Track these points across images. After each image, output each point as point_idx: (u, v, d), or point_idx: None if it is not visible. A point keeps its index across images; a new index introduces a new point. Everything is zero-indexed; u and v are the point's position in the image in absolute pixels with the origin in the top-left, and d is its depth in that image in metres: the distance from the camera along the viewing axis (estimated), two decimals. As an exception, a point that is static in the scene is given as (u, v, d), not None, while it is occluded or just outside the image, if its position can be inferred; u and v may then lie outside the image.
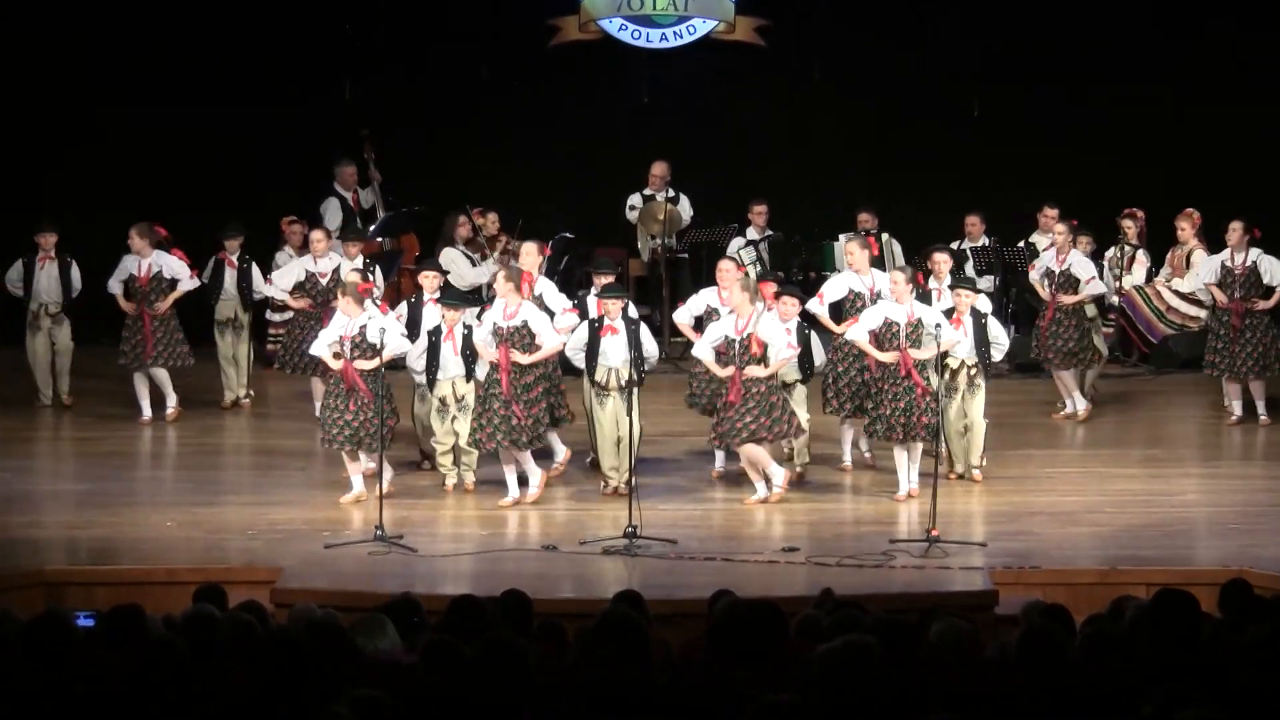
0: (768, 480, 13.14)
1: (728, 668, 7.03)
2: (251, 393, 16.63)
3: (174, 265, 15.95)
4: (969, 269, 17.69)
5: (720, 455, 13.89)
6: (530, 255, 14.25)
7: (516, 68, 19.25)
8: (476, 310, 14.03)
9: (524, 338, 13.09)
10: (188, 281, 16.00)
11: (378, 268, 16.30)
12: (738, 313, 13.07)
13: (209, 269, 16.43)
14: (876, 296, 13.96)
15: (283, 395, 16.96)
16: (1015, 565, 11.67)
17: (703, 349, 13.27)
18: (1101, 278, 16.41)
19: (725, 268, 13.97)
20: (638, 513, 12.10)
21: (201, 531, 12.59)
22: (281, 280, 16.16)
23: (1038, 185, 17.95)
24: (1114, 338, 17.62)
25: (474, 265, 17.32)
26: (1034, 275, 16.16)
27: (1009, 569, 11.59)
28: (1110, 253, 17.44)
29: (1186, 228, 17.35)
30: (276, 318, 17.66)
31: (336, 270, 15.63)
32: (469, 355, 13.27)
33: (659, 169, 18.78)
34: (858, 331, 13.42)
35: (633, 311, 13.56)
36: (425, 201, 18.50)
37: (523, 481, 13.26)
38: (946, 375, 13.37)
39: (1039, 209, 17.70)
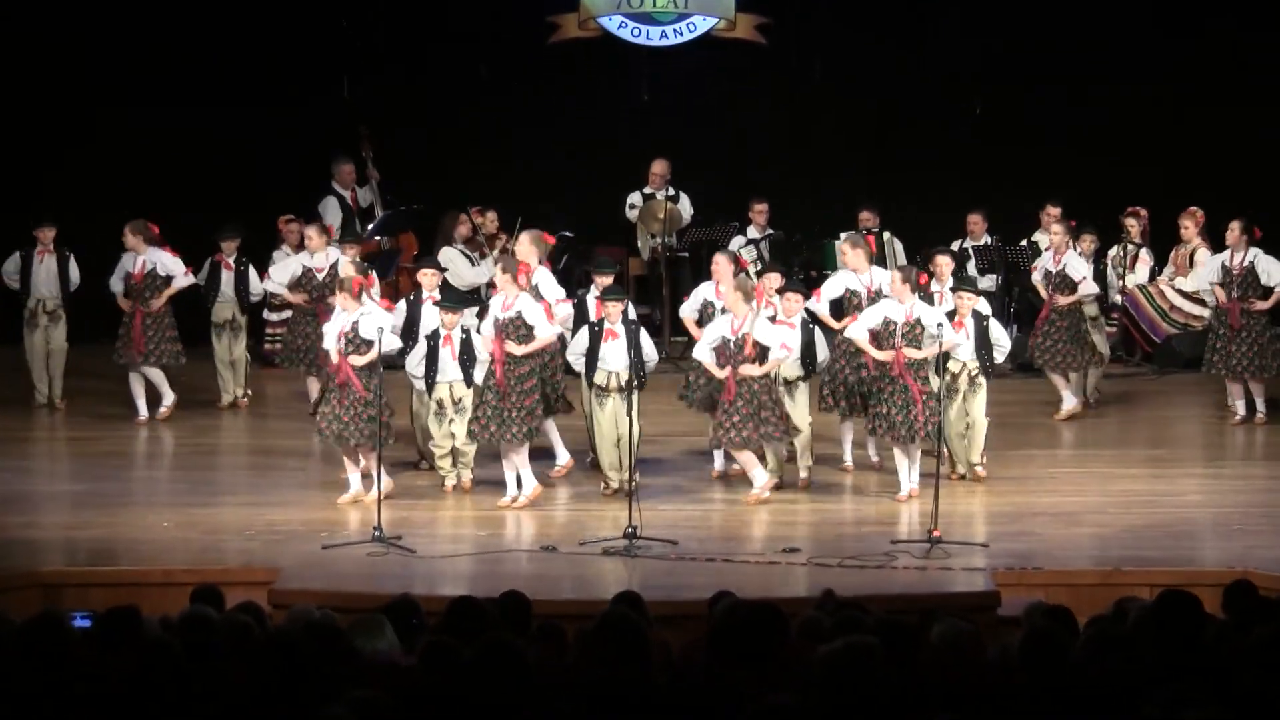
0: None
1: (728, 669, 7.01)
2: (249, 392, 16.59)
3: (168, 262, 15.91)
4: (971, 268, 17.67)
5: (719, 455, 13.86)
6: (524, 245, 14.18)
7: (516, 67, 19.25)
8: (475, 310, 14.00)
9: (519, 329, 13.06)
10: (182, 278, 15.96)
11: (375, 267, 16.25)
12: (733, 312, 13.05)
13: (205, 271, 16.40)
14: (875, 295, 13.93)
15: (280, 395, 16.93)
16: (1017, 566, 11.62)
17: (702, 351, 13.24)
18: (1105, 277, 16.38)
19: (720, 261, 13.93)
20: (637, 513, 12.06)
21: (198, 532, 12.55)
22: (279, 274, 16.14)
23: (1038, 185, 17.94)
24: (1117, 337, 17.60)
25: (473, 264, 17.28)
26: (1035, 276, 16.17)
27: (1011, 570, 11.54)
28: (1113, 251, 17.43)
29: (1190, 226, 17.32)
30: (274, 317, 17.66)
31: (334, 266, 15.60)
32: (467, 359, 13.23)
33: (659, 167, 18.76)
34: (857, 329, 13.40)
35: (632, 313, 13.52)
36: (425, 201, 18.48)
37: (521, 482, 13.21)
38: (947, 377, 13.34)
39: (1040, 209, 17.68)
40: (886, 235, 18.03)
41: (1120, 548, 12.10)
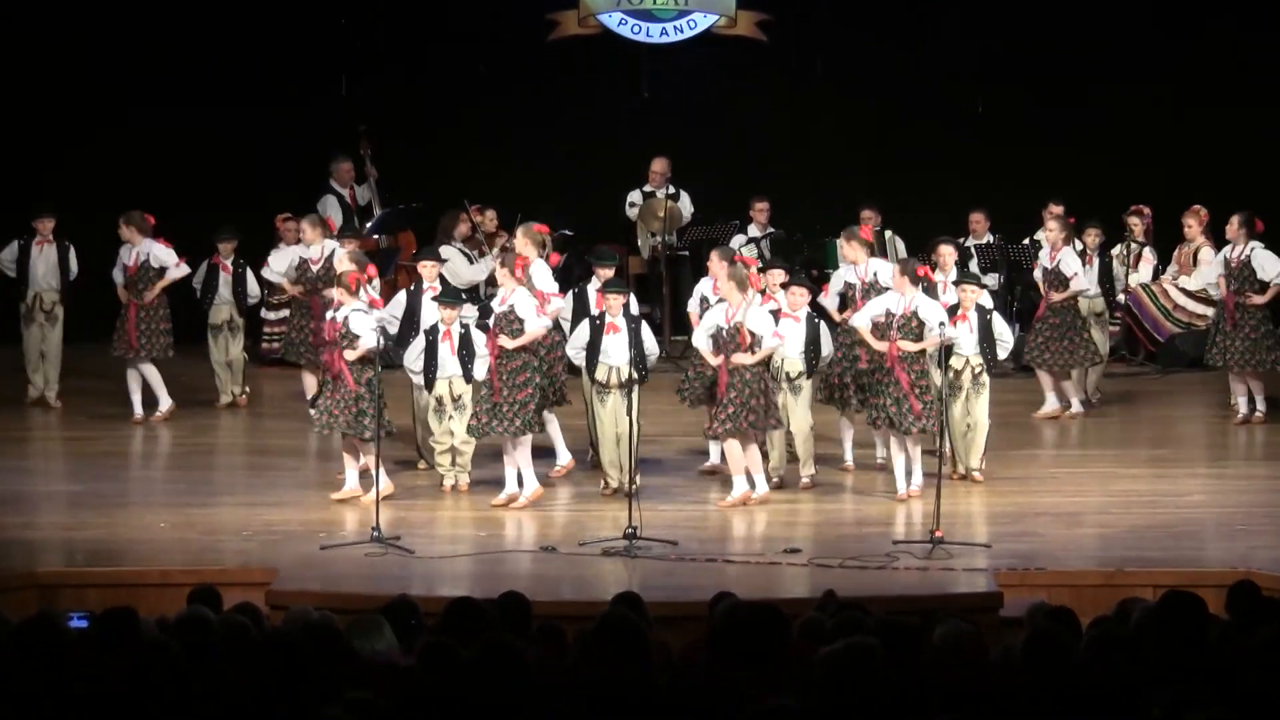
0: (750, 478, 13.03)
1: (729, 671, 6.99)
2: (247, 389, 16.55)
3: (160, 253, 15.85)
4: (973, 266, 17.61)
5: (715, 450, 13.81)
6: (520, 240, 14.10)
7: (516, 67, 19.22)
8: (477, 307, 13.95)
9: (512, 323, 13.01)
10: (175, 269, 15.88)
11: (374, 265, 16.22)
12: (728, 301, 13.02)
13: (203, 272, 16.36)
14: (869, 287, 13.95)
15: (277, 394, 16.89)
16: (1020, 567, 11.59)
17: (700, 338, 13.22)
18: (1110, 275, 16.37)
19: (714, 258, 13.90)
20: (638, 514, 12.02)
21: (196, 532, 12.51)
22: (278, 264, 16.13)
23: (1037, 185, 17.91)
24: (1120, 336, 17.56)
25: (471, 263, 17.24)
26: (1036, 273, 16.17)
27: (1014, 570, 11.50)
28: (1117, 250, 17.40)
29: (1194, 225, 17.28)
30: (272, 316, 17.64)
31: (329, 257, 15.56)
32: (466, 355, 13.19)
33: (659, 165, 18.73)
34: (860, 318, 13.39)
35: (634, 308, 13.47)
36: (425, 201, 18.44)
37: (522, 481, 13.16)
38: (950, 374, 13.30)
39: (1041, 208, 17.63)
40: (888, 233, 17.99)
41: (1123, 548, 12.07)
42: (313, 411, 13.33)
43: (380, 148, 18.79)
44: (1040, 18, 18.76)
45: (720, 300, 13.24)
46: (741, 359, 12.87)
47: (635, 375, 12.83)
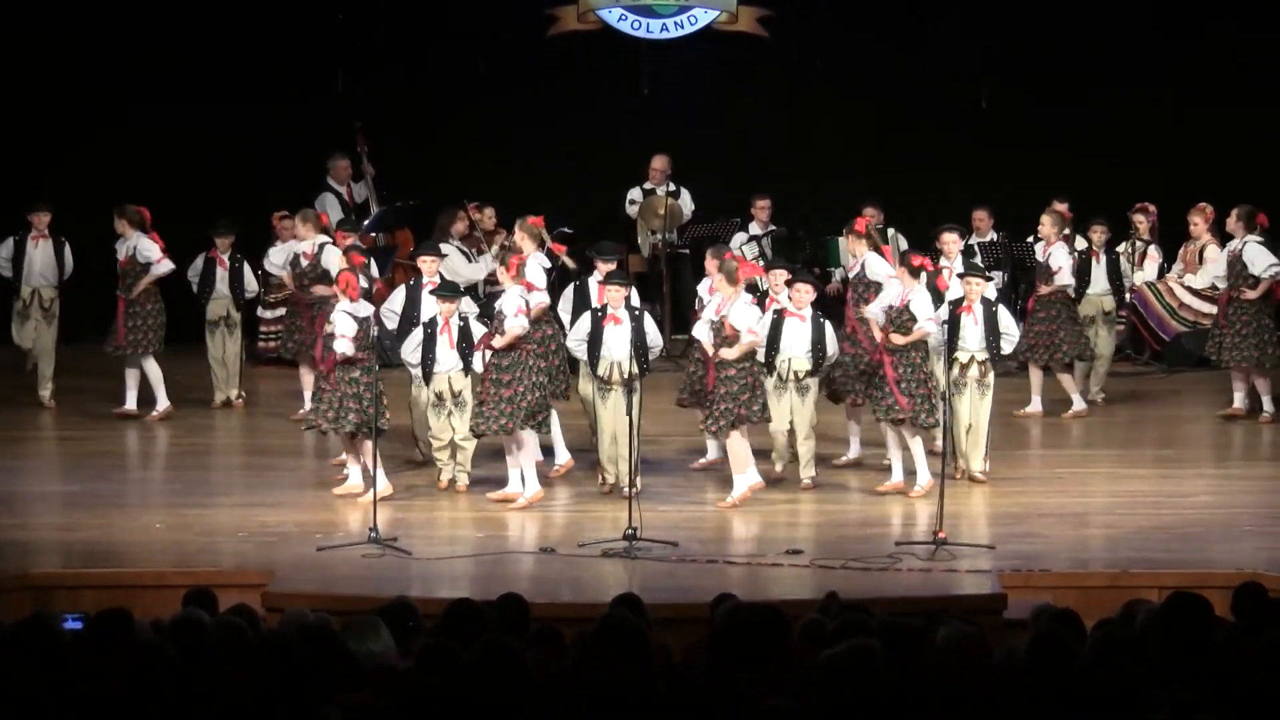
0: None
1: (730, 672, 6.95)
2: (244, 394, 16.49)
3: (145, 248, 15.78)
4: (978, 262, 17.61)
5: (712, 446, 13.79)
6: (517, 236, 14.04)
7: (516, 66, 19.20)
8: (476, 304, 13.91)
9: (502, 320, 12.96)
10: (157, 265, 15.78)
11: (371, 262, 16.19)
12: (721, 294, 13.01)
13: (200, 268, 16.31)
14: (856, 280, 14.10)
15: (274, 394, 16.86)
16: (1024, 568, 11.53)
17: (700, 329, 13.24)
18: (1118, 272, 16.35)
19: (710, 256, 13.89)
20: (638, 514, 11.96)
21: (191, 534, 12.46)
22: (277, 257, 16.13)
23: (1037, 186, 17.87)
24: (1125, 335, 17.52)
25: (470, 261, 17.18)
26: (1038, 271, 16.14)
27: (1018, 572, 11.44)
28: (1122, 247, 17.36)
29: (1200, 222, 17.23)
30: (269, 315, 17.61)
31: (318, 253, 15.51)
32: (465, 348, 13.13)
33: (659, 163, 18.70)
34: (874, 309, 13.43)
35: (635, 301, 13.41)
36: (425, 201, 18.40)
37: (524, 481, 13.09)
38: (956, 369, 13.25)
39: (1041, 209, 17.57)
40: (891, 231, 17.95)
41: (1128, 549, 12.02)
42: (311, 412, 13.29)
43: (377, 145, 18.78)
44: (1040, 19, 18.77)
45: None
46: (723, 353, 12.85)
47: (636, 368, 12.74)
